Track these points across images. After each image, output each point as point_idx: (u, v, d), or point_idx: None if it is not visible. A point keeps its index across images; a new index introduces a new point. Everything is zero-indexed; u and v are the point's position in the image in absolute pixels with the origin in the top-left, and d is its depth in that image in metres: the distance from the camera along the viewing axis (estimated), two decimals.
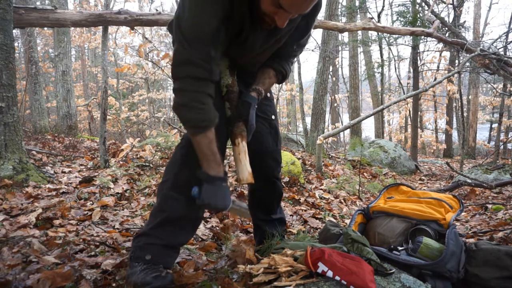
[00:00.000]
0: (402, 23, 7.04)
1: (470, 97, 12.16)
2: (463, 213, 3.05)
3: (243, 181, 1.31)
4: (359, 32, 10.89)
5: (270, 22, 1.19)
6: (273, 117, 1.62)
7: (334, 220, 2.68)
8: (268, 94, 1.62)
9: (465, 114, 10.38)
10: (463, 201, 1.86)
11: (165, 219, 1.35)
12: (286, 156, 3.95)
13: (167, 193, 1.36)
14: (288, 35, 1.37)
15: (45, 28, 9.98)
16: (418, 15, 6.97)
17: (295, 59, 1.72)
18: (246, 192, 2.85)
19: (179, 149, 1.41)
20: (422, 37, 6.50)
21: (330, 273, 1.19)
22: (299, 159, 4.72)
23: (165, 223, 1.35)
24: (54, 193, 2.59)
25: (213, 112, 1.21)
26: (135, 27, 3.98)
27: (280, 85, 12.15)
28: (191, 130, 1.22)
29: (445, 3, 8.74)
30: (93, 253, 1.62)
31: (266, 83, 1.46)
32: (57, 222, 2.04)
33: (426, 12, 7.42)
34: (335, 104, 13.57)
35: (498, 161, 7.15)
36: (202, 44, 1.13)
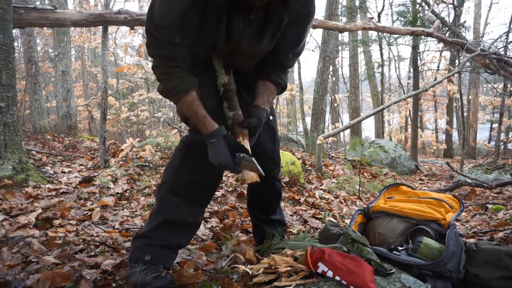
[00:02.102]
0: (402, 23, 7.04)
1: (470, 97, 12.16)
2: (463, 213, 3.05)
3: (247, 181, 1.28)
4: (359, 32, 10.89)
5: (255, 1, 1.18)
6: (271, 117, 1.61)
7: (334, 220, 2.68)
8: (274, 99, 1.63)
9: (465, 114, 10.38)
10: (463, 201, 1.86)
11: (163, 222, 1.35)
12: (286, 156, 3.95)
13: (165, 195, 1.37)
14: (276, 36, 1.35)
15: (45, 28, 9.98)
16: (418, 15, 6.97)
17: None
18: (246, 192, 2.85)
19: (177, 151, 1.41)
20: (422, 37, 6.49)
21: (330, 273, 1.19)
22: (299, 159, 4.72)
23: (163, 225, 1.35)
24: (54, 193, 2.59)
25: (185, 78, 1.26)
26: (135, 27, 3.97)
27: None
28: (171, 99, 1.31)
29: (445, 3, 8.74)
30: (93, 253, 1.62)
31: (270, 100, 1.46)
32: (57, 222, 2.04)
33: (426, 12, 7.42)
34: (335, 104, 13.56)
35: (498, 161, 7.15)
36: (167, 30, 1.20)
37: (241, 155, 1.25)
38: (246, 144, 1.33)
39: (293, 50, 1.46)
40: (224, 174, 3.51)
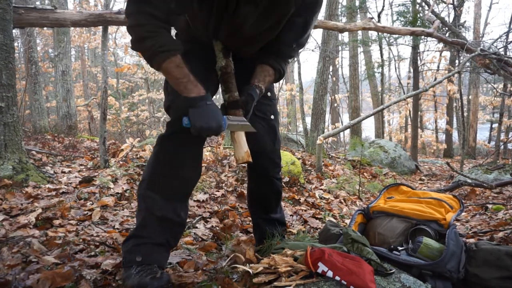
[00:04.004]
0: (402, 23, 7.05)
1: (470, 97, 12.15)
2: (463, 213, 3.05)
3: (239, 161, 1.27)
4: (359, 32, 10.88)
5: None
6: (272, 117, 1.60)
7: (334, 220, 2.68)
8: (269, 94, 1.61)
9: (465, 114, 10.38)
10: (463, 201, 1.86)
11: (145, 219, 1.35)
12: (286, 156, 3.95)
13: (144, 193, 1.37)
14: (281, 24, 1.34)
15: (45, 28, 9.98)
16: (418, 15, 6.97)
17: (293, 59, 1.72)
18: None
19: (154, 148, 1.42)
20: (422, 37, 6.49)
21: (330, 273, 1.19)
22: (299, 159, 4.72)
23: (147, 222, 1.35)
24: (54, 193, 2.59)
25: (171, 39, 1.21)
26: None
27: (280, 85, 12.19)
28: (155, 60, 1.21)
29: (445, 3, 8.75)
30: (93, 253, 1.62)
31: (266, 81, 1.44)
32: (57, 222, 2.04)
33: (426, 12, 7.42)
34: (335, 104, 13.56)
35: (498, 161, 7.14)
36: None
37: (226, 116, 1.25)
38: None
39: (297, 40, 1.45)
40: (224, 174, 3.51)
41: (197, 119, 1.19)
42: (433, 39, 6.30)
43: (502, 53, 5.74)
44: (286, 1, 1.26)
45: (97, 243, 1.75)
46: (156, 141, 1.41)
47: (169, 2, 1.17)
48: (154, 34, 1.18)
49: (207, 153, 4.03)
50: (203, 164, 2.82)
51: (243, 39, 1.38)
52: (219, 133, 1.22)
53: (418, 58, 8.92)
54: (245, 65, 1.46)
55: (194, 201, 2.74)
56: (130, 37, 1.23)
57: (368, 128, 15.68)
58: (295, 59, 8.19)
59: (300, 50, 1.58)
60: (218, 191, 2.99)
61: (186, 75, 1.22)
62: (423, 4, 8.28)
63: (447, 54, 11.61)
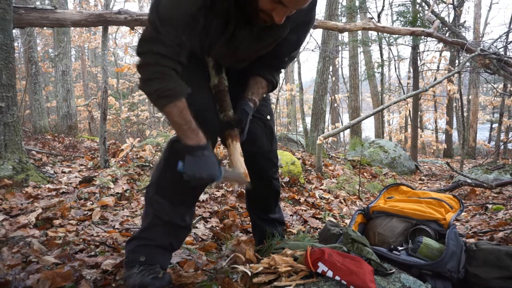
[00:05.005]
0: (402, 23, 7.05)
1: (470, 97, 12.16)
2: (463, 213, 3.05)
3: (235, 187, 1.31)
4: (359, 32, 10.89)
5: (266, 19, 1.18)
6: (268, 117, 1.61)
7: (334, 220, 2.68)
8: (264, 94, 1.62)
9: (465, 114, 10.38)
10: (463, 201, 1.86)
11: (152, 222, 1.35)
12: (286, 156, 3.95)
13: (152, 196, 1.38)
14: (274, 44, 1.36)
15: (45, 28, 9.97)
16: (418, 15, 6.98)
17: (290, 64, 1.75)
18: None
19: (163, 153, 1.42)
20: (422, 37, 6.50)
21: (330, 273, 1.19)
22: (299, 159, 4.72)
23: (154, 225, 1.35)
24: (54, 193, 2.59)
25: (178, 82, 1.18)
26: (135, 27, 3.98)
27: (280, 85, 12.19)
28: (158, 102, 1.19)
29: (445, 3, 8.75)
30: (93, 253, 1.62)
31: (260, 93, 1.46)
32: (57, 222, 2.04)
33: (426, 12, 7.42)
34: (335, 104, 13.56)
35: (498, 161, 7.15)
36: (175, 27, 1.12)
37: (223, 168, 1.26)
38: (235, 147, 1.33)
39: (289, 55, 1.49)
40: None
41: (191, 167, 1.18)
42: (433, 39, 6.31)
43: (502, 53, 5.75)
44: (281, 26, 1.27)
45: (97, 243, 1.75)
46: (166, 145, 1.41)
47: (180, 36, 1.14)
48: (162, 76, 1.16)
49: None
50: None
51: (236, 59, 1.41)
52: (212, 183, 1.24)
53: (418, 58, 8.92)
54: (238, 77, 1.48)
55: None
56: (140, 76, 1.20)
57: (368, 128, 15.69)
58: (295, 59, 8.20)
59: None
60: (218, 191, 2.99)
61: (187, 122, 1.19)
62: (423, 4, 8.29)
63: (447, 54, 11.62)
